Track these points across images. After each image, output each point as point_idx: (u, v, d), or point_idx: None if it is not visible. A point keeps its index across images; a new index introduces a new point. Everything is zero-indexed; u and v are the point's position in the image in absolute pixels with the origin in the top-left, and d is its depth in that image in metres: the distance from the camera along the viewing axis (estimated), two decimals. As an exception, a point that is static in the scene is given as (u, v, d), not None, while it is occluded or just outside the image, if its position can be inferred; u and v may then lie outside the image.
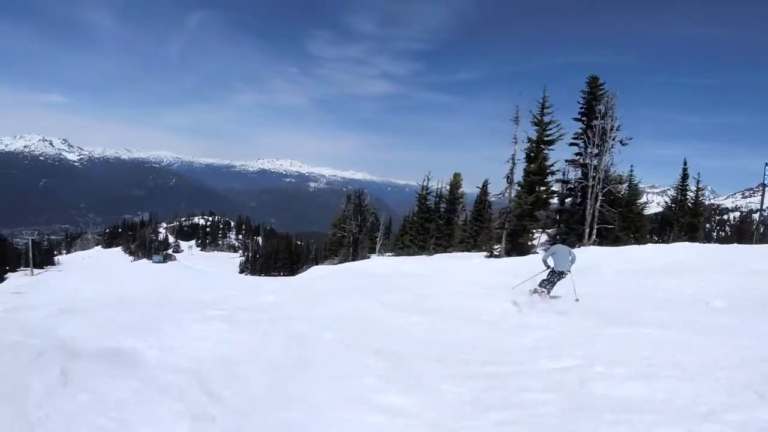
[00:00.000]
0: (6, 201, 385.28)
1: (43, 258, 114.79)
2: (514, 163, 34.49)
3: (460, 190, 46.88)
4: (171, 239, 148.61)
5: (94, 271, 78.22)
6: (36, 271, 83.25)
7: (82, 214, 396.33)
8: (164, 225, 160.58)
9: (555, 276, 13.37)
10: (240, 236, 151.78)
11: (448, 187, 46.63)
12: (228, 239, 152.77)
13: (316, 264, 53.56)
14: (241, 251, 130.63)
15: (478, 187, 45.49)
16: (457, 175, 46.33)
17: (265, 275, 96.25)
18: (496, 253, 34.16)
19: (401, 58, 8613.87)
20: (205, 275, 70.38)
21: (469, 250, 39.87)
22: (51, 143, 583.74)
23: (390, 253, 46.76)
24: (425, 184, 46.67)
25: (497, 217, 36.76)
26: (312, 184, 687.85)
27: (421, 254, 40.21)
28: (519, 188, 34.13)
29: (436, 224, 44.53)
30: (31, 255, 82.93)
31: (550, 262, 13.52)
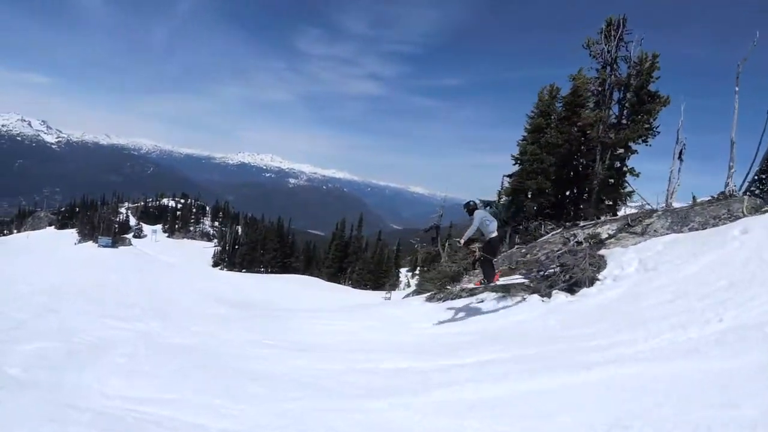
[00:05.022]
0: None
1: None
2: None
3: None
4: (133, 221, 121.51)
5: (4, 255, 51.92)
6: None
7: (54, 197, 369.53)
8: (127, 205, 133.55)
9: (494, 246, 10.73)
10: (216, 224, 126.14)
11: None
12: (202, 225, 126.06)
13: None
14: (216, 240, 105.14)
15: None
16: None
17: (248, 271, 72.98)
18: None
19: (389, 60, 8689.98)
20: (156, 268, 46.95)
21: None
22: (29, 124, 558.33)
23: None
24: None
25: None
26: (292, 181, 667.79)
27: None
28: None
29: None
30: None
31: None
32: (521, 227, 18.62)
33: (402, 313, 11.97)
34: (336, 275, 71.13)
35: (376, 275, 70.46)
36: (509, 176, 22.37)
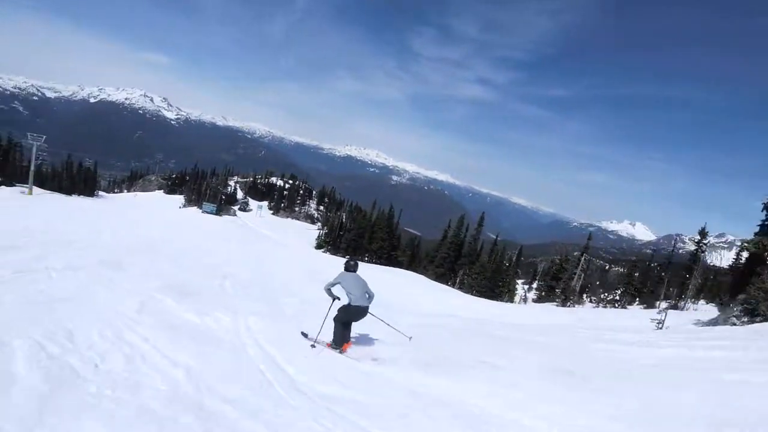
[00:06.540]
0: (99, 144, 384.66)
1: (76, 183, 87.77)
2: None
3: None
4: (240, 195, 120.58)
5: (102, 210, 48.31)
6: (40, 191, 54.49)
7: (168, 165, 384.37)
8: (236, 179, 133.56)
9: (351, 314, 8.93)
10: (321, 208, 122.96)
11: None
12: (307, 207, 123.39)
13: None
14: (319, 224, 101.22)
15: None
16: None
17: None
18: None
19: (499, 65, 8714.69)
20: (262, 241, 42.51)
21: None
22: (152, 100, 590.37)
23: None
24: None
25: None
26: (394, 178, 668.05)
27: None
28: None
29: None
30: (32, 167, 53.83)
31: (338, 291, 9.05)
32: None
33: None
34: (444, 276, 64.31)
35: (493, 283, 63.13)
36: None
